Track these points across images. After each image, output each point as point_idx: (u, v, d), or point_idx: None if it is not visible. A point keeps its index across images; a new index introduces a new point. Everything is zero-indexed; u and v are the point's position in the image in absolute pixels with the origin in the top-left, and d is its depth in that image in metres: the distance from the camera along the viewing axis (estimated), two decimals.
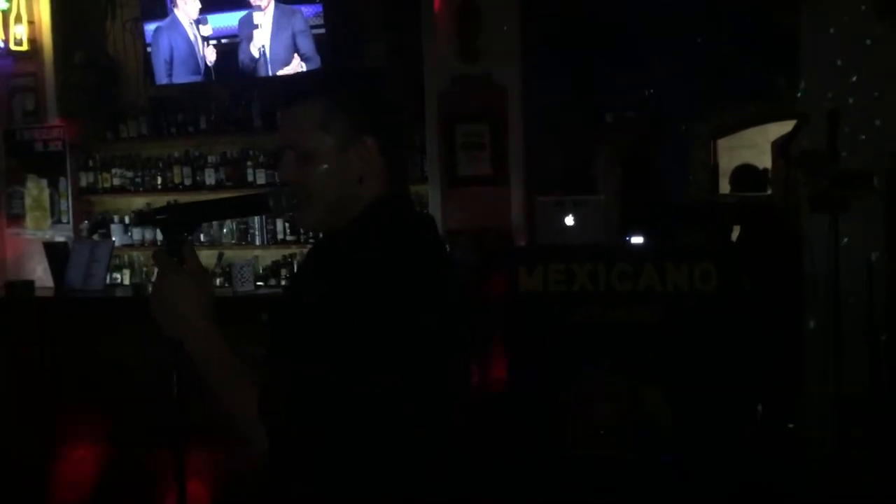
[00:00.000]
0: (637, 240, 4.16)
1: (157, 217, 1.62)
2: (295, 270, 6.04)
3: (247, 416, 1.49)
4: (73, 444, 4.51)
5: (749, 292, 3.93)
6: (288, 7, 5.72)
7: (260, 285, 5.37)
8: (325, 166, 1.56)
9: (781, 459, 4.10)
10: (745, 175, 5.85)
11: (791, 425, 4.26)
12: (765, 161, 6.68)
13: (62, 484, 4.50)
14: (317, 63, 5.68)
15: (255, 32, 5.76)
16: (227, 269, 5.19)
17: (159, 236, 6.33)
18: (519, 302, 4.15)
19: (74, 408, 4.48)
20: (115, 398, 4.45)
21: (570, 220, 4.15)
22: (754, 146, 6.94)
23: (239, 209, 2.54)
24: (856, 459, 3.66)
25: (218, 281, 5.17)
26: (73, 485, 4.48)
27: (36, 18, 6.41)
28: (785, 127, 6.64)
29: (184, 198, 6.48)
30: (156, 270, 1.62)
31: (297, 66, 5.81)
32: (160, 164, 6.49)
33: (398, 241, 1.56)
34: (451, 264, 1.69)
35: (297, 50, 5.71)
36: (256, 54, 5.82)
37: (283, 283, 5.93)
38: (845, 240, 3.88)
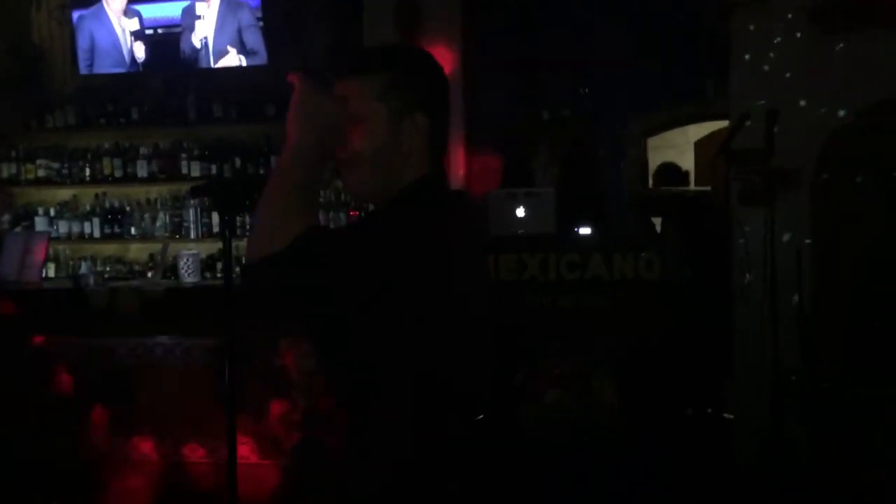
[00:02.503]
0: (585, 231, 4.33)
1: (210, 189, 1.67)
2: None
3: (275, 234, 1.51)
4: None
5: (690, 279, 4.15)
6: (234, 1, 5.70)
7: (207, 276, 5.32)
8: (377, 135, 1.63)
9: (718, 440, 4.34)
10: (668, 172, 6.14)
11: (728, 415, 4.49)
12: (686, 160, 7.01)
13: None
14: (262, 58, 5.69)
15: (198, 23, 5.71)
16: (172, 261, 5.12)
17: (90, 229, 6.09)
18: None
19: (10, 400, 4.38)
20: (62, 388, 4.37)
21: (521, 212, 4.29)
22: (675, 146, 7.26)
23: None
24: (790, 436, 3.91)
25: (161, 273, 5.10)
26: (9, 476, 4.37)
27: None
28: (704, 128, 6.99)
29: (113, 190, 6.36)
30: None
31: (238, 59, 5.79)
32: (88, 156, 6.34)
33: (431, 222, 1.63)
34: (480, 242, 1.78)
35: (242, 44, 5.70)
36: (198, 45, 5.77)
37: (222, 271, 5.90)
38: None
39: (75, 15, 6.06)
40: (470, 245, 1.71)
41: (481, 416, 1.67)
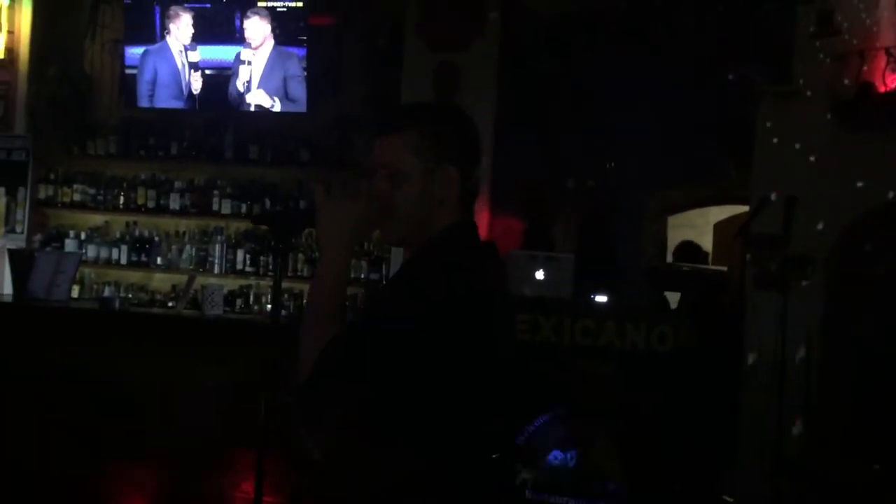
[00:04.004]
0: (601, 298, 4.44)
1: (268, 219, 1.83)
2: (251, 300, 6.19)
3: (313, 347, 1.66)
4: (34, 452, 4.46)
5: (700, 355, 4.23)
6: (285, 50, 5.95)
7: (228, 310, 5.44)
8: (413, 187, 1.77)
9: None
10: (688, 251, 6.26)
11: (727, 497, 4.52)
12: (705, 241, 7.12)
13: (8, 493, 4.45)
14: (302, 106, 5.91)
15: (242, 68, 5.96)
16: (194, 294, 5.26)
17: (118, 255, 6.19)
18: None
19: (35, 415, 4.47)
20: (75, 408, 4.46)
21: (540, 275, 4.40)
22: (695, 227, 7.38)
23: None
24: None
25: (185, 303, 5.22)
26: (21, 494, 4.43)
27: (15, 29, 6.45)
28: (724, 211, 7.13)
29: (144, 220, 6.53)
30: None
31: (279, 106, 6.02)
32: (124, 185, 6.53)
33: (462, 270, 1.74)
34: (507, 290, 1.90)
35: (286, 92, 5.93)
36: (242, 89, 6.01)
37: (242, 308, 6.05)
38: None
39: (135, 50, 6.31)
40: (501, 291, 1.84)
41: (496, 455, 1.77)
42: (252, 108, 6.06)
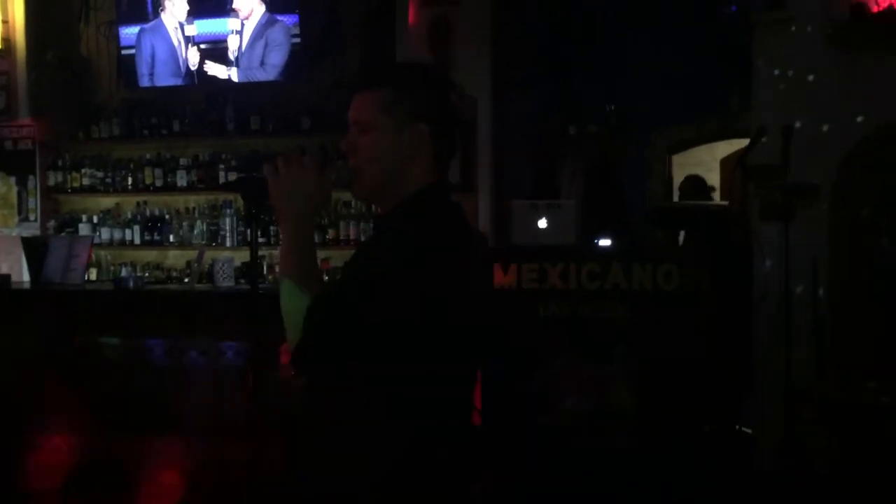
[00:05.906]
0: (605, 242, 4.44)
1: (239, 184, 1.86)
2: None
3: (292, 317, 1.70)
4: (49, 433, 4.57)
5: (707, 291, 4.24)
6: (275, 18, 5.94)
7: (242, 282, 5.51)
8: (382, 141, 1.79)
9: (736, 450, 4.41)
10: (693, 185, 6.24)
11: (745, 429, 4.56)
12: (712, 177, 7.08)
13: (37, 473, 4.56)
14: (275, 74, 5.96)
15: (231, 38, 5.97)
16: (208, 268, 5.32)
17: (131, 236, 6.28)
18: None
19: (53, 397, 4.57)
20: (93, 388, 4.55)
21: (542, 223, 4.41)
22: (702, 163, 7.33)
23: None
24: (805, 444, 3.98)
25: (197, 278, 5.30)
26: (48, 474, 4.55)
27: (10, 18, 6.48)
28: (732, 146, 7.06)
29: (153, 199, 6.59)
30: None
31: (262, 75, 6.04)
32: (131, 165, 6.59)
33: (435, 232, 1.78)
34: (480, 251, 1.94)
35: (262, 61, 5.96)
36: (231, 58, 6.04)
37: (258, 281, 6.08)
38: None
39: (128, 30, 6.33)
40: (475, 253, 1.88)
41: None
42: (236, 79, 6.09)
